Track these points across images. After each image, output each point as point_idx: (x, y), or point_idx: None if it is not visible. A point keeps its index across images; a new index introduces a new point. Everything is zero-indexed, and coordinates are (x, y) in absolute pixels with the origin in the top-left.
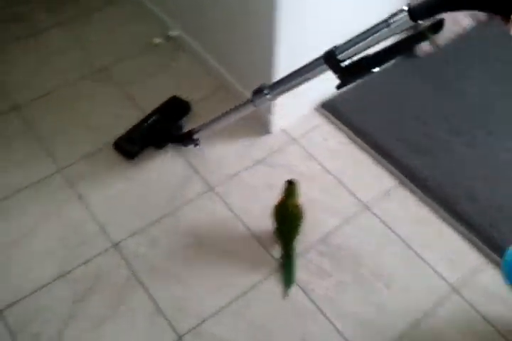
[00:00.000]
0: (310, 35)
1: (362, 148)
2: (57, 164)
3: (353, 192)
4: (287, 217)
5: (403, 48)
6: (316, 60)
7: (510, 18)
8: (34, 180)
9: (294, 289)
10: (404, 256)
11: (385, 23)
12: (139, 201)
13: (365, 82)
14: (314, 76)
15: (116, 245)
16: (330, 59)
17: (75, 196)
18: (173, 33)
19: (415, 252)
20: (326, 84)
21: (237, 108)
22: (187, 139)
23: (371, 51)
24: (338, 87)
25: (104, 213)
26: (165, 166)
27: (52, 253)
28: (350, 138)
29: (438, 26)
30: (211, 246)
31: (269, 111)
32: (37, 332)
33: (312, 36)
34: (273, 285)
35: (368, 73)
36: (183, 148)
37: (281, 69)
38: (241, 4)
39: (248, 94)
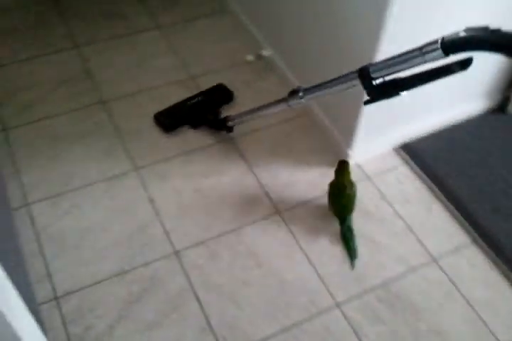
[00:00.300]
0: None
1: (438, 198)
2: (133, 163)
3: (422, 242)
4: (342, 193)
5: (431, 78)
6: (351, 73)
7: None
8: (110, 175)
9: (344, 328)
10: (465, 317)
11: (419, 50)
12: (205, 213)
13: (452, 131)
14: (346, 88)
15: (177, 253)
16: (363, 75)
17: (146, 197)
18: (266, 52)
19: (478, 315)
20: (410, 125)
21: (271, 104)
22: (222, 124)
23: (403, 74)
24: (366, 103)
25: (171, 219)
26: (236, 183)
27: (115, 250)
28: (427, 185)
29: (466, 63)
30: (270, 272)
31: (347, 144)
32: (88, 326)
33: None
34: (328, 321)
35: (396, 95)
36: (219, 132)
37: (370, 114)
38: (342, 33)
39: (334, 130)
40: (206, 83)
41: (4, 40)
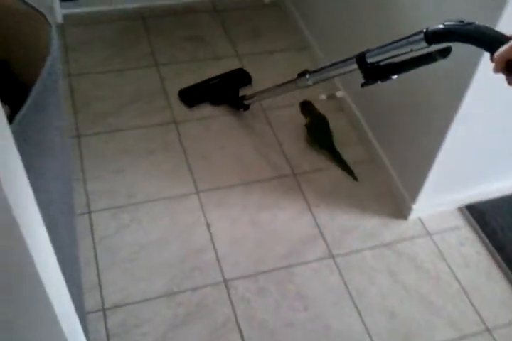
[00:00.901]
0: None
1: (499, 266)
2: (195, 185)
3: (477, 309)
4: (323, 122)
5: (417, 64)
6: (350, 58)
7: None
8: (171, 194)
9: None
10: None
11: (407, 39)
12: (259, 245)
13: None
14: (345, 71)
15: (226, 282)
16: (360, 60)
17: (203, 221)
18: (339, 93)
19: None
20: (479, 187)
21: (283, 85)
22: (239, 102)
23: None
24: (362, 85)
25: (224, 246)
26: (293, 220)
27: (167, 270)
28: (489, 250)
29: (446, 52)
30: (316, 316)
31: (411, 198)
32: None
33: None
34: None
35: (388, 78)
36: (238, 110)
37: (440, 171)
38: (421, 86)
39: (399, 180)
40: (277, 117)
41: (90, 50)
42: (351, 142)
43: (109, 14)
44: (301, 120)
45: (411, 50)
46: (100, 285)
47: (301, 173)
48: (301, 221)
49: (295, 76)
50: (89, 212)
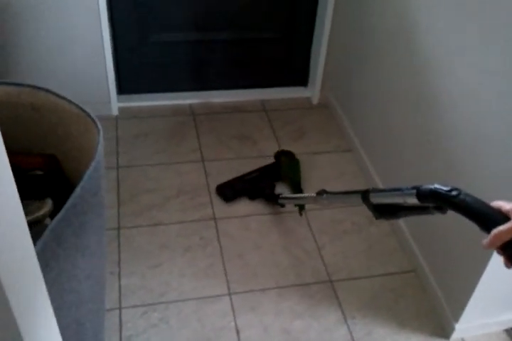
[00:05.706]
0: None
1: None
2: (229, 287)
3: None
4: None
5: (416, 212)
6: (356, 192)
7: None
8: (204, 295)
9: None
10: None
11: (401, 191)
12: None
13: None
14: (354, 203)
15: None
16: (364, 197)
17: (233, 326)
18: None
19: None
20: None
21: (308, 197)
22: (274, 199)
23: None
24: (376, 218)
25: None
26: (327, 331)
27: None
28: None
29: (443, 209)
30: None
31: (454, 316)
32: None
33: None
34: None
35: (395, 218)
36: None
37: (487, 290)
38: None
39: (442, 297)
40: (318, 219)
41: (141, 142)
42: (392, 252)
43: (162, 109)
44: (343, 225)
45: (404, 202)
46: None
47: (338, 280)
48: (336, 333)
49: (338, 178)
50: (120, 308)
